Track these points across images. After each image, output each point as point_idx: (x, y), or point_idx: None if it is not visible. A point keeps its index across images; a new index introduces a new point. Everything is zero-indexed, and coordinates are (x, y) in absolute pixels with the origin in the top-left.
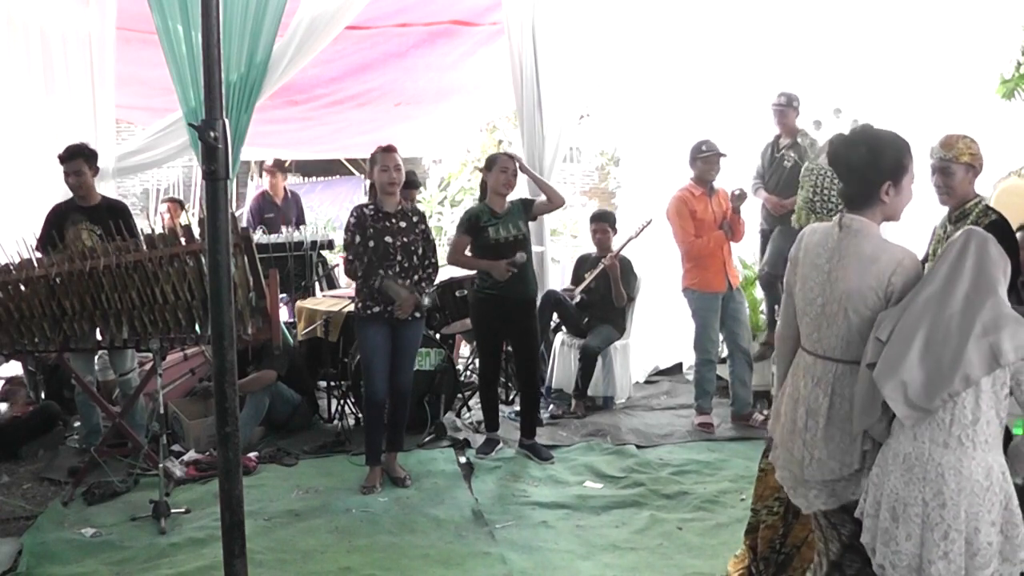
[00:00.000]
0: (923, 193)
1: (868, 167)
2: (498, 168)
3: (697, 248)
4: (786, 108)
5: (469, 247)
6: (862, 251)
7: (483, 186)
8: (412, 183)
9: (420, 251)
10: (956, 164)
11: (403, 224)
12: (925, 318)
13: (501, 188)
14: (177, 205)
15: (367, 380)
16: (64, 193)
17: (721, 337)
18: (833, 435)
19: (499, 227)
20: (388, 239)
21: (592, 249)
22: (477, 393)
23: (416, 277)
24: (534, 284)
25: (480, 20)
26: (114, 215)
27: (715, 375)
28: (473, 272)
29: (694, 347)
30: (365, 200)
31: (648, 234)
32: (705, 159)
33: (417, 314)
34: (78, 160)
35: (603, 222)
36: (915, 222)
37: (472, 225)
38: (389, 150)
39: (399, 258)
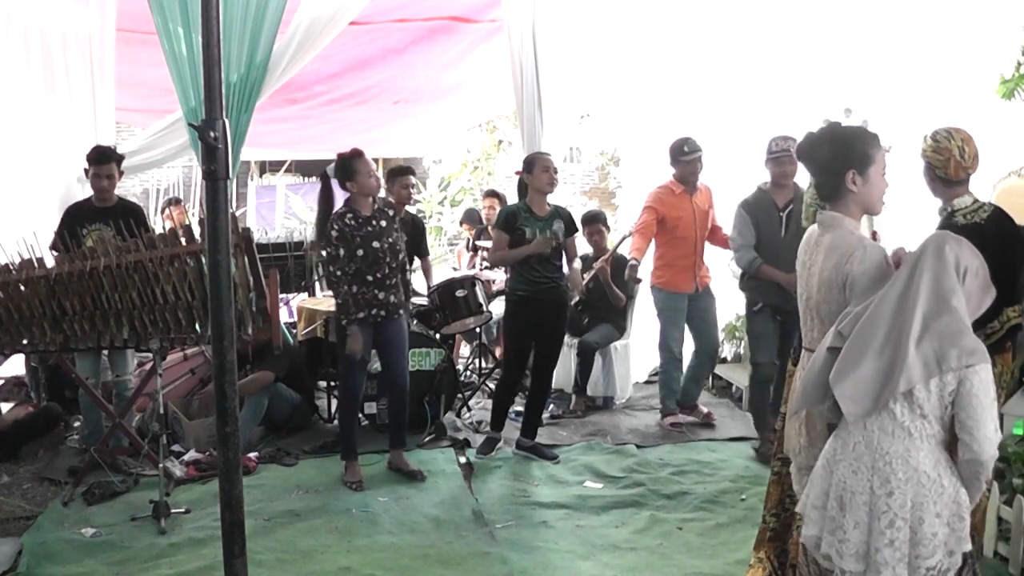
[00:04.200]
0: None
1: (832, 159)
2: (540, 167)
3: (638, 236)
4: (790, 155)
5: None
6: (829, 242)
7: (521, 186)
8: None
9: (400, 247)
10: (923, 158)
11: (383, 223)
12: (881, 327)
13: (545, 187)
14: (180, 206)
15: (345, 377)
16: (66, 192)
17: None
18: (814, 424)
19: (537, 229)
20: (375, 244)
21: (590, 250)
22: (477, 393)
23: (400, 276)
24: (566, 286)
25: (479, 17)
26: (128, 216)
27: (681, 374)
28: (472, 273)
29: (659, 347)
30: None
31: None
32: (688, 162)
33: (401, 311)
34: (111, 164)
35: (596, 223)
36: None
37: (509, 223)
38: (361, 154)
39: (387, 259)
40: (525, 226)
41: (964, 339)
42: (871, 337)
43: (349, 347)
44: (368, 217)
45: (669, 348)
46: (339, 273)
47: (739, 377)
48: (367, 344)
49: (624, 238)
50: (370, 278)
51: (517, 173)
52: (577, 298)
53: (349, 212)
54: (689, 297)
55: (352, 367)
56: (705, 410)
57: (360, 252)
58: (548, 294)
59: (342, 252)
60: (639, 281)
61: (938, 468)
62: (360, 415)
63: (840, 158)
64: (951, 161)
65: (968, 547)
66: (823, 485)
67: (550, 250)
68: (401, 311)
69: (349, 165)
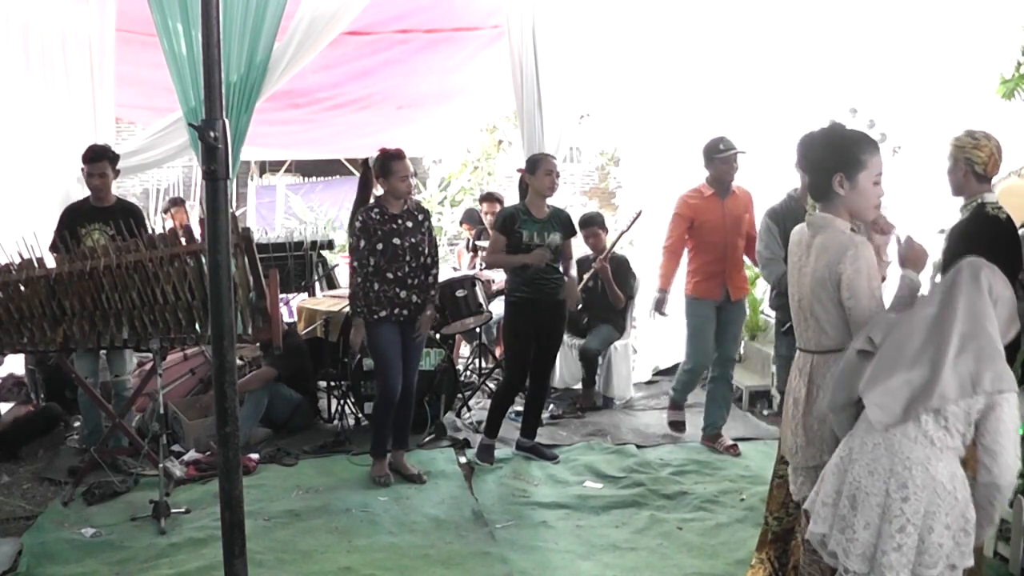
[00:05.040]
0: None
1: (822, 160)
2: (543, 170)
3: (667, 256)
4: None
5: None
6: (820, 243)
7: (522, 186)
8: None
9: (426, 250)
10: (949, 155)
11: (409, 224)
12: (915, 341)
13: (545, 190)
14: (182, 207)
15: (384, 377)
16: (66, 192)
17: None
18: (811, 423)
19: (534, 232)
20: (396, 241)
21: (588, 251)
22: (477, 393)
23: (423, 278)
24: (563, 285)
25: (481, 24)
26: (127, 216)
27: (698, 382)
28: (472, 273)
29: (685, 350)
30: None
31: (647, 233)
32: (724, 159)
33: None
34: (103, 163)
35: (592, 226)
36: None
37: (507, 225)
38: (402, 156)
39: (407, 258)
40: (523, 229)
41: (998, 363)
42: (904, 350)
43: (352, 339)
44: (395, 215)
45: (690, 355)
46: (356, 264)
47: (739, 377)
48: (395, 343)
49: (621, 234)
50: (390, 275)
51: (519, 171)
52: (579, 306)
53: (377, 207)
54: (717, 305)
55: (389, 366)
56: (729, 441)
57: (380, 246)
58: (546, 295)
59: (362, 244)
60: (664, 315)
61: (954, 481)
62: (360, 414)
63: (830, 160)
64: (991, 159)
65: (970, 563)
66: (835, 483)
67: (545, 263)
68: (426, 311)
69: (387, 164)
